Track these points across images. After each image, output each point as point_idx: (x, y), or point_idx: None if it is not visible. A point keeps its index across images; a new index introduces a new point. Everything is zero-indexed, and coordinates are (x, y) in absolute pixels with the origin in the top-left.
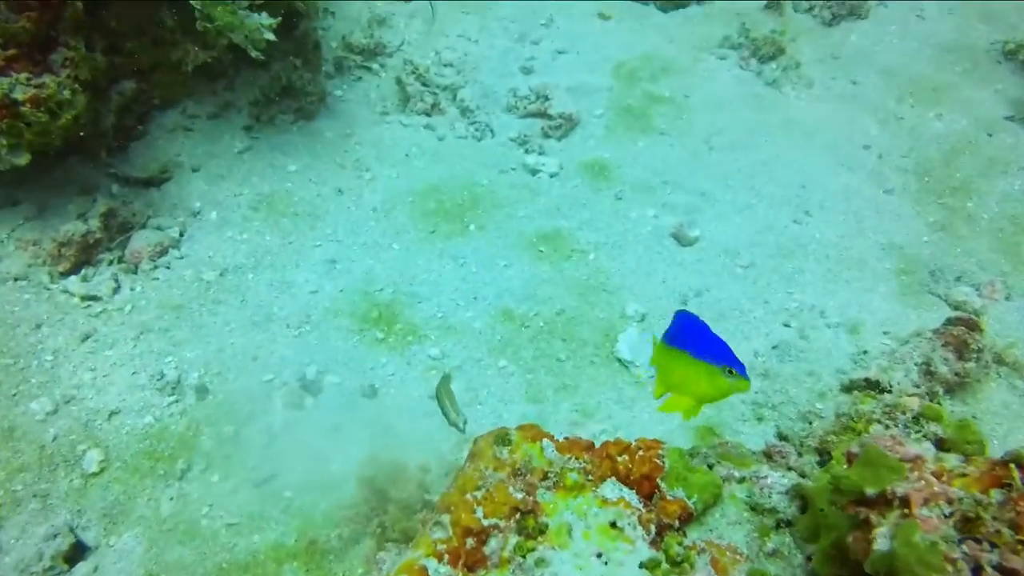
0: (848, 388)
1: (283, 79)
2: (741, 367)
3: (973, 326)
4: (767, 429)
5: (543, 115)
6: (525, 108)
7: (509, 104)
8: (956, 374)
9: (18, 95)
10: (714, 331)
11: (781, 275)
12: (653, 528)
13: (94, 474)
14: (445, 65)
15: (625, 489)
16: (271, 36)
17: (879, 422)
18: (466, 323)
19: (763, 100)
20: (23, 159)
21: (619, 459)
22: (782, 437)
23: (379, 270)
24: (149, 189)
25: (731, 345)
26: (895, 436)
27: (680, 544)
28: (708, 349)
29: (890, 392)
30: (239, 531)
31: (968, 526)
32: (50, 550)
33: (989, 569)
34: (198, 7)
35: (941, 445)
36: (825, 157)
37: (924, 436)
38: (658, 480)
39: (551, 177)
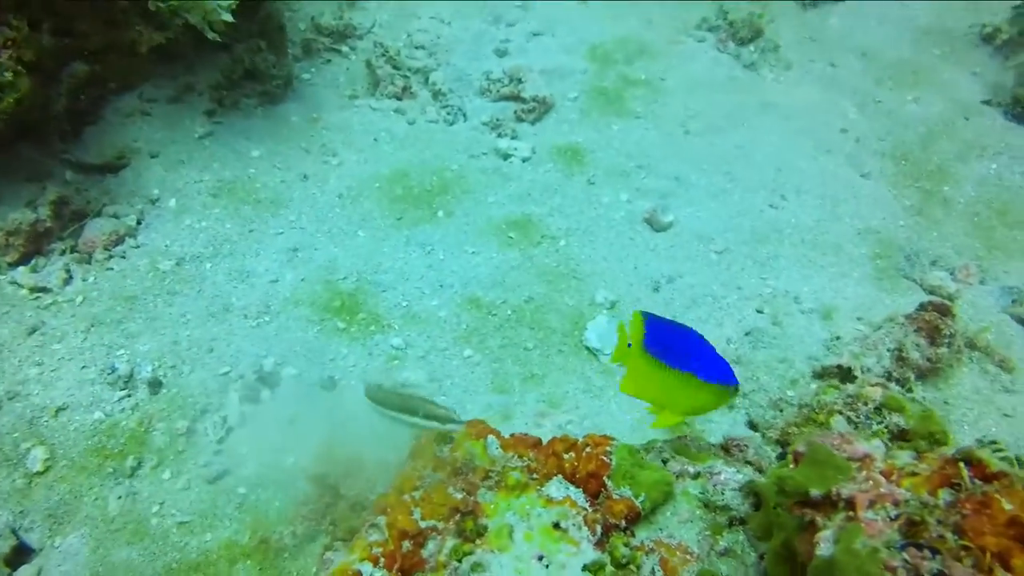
0: (820, 375)
1: (246, 61)
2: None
3: (945, 311)
4: (738, 417)
5: (516, 98)
6: (498, 91)
7: (482, 87)
8: (928, 360)
9: None
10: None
11: (755, 260)
12: (599, 528)
13: (39, 473)
14: (417, 47)
15: (572, 488)
16: (229, 17)
17: (841, 413)
18: (431, 312)
19: (740, 83)
20: None
21: (565, 456)
22: (752, 425)
23: (343, 258)
24: (105, 176)
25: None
26: (844, 433)
27: (626, 545)
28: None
29: (854, 381)
30: (191, 529)
31: (913, 530)
32: None
33: None
34: None
35: (904, 436)
36: (802, 140)
37: (886, 427)
38: (605, 478)
39: (523, 162)
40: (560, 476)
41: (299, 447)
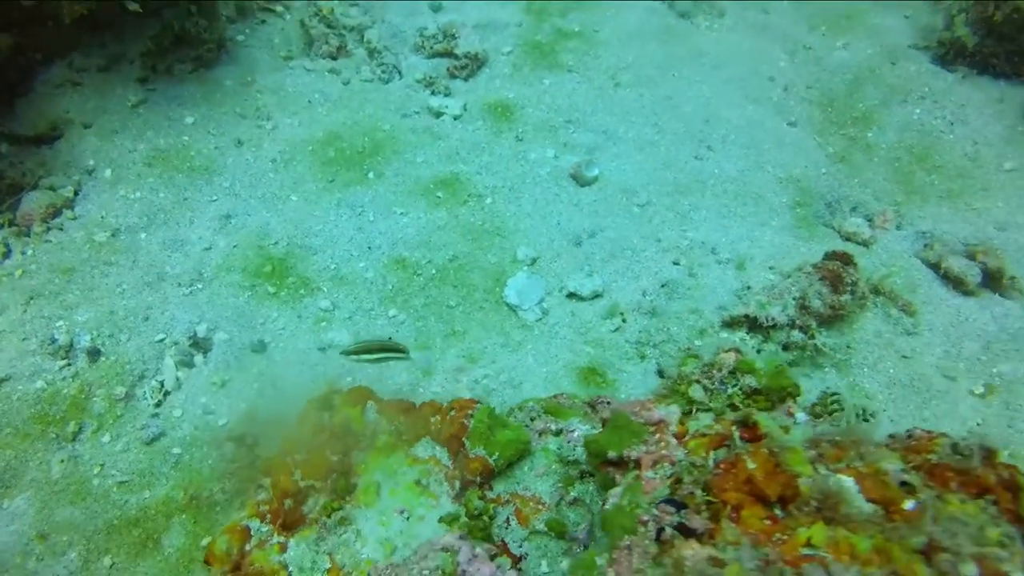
0: (728, 324)
1: (176, 27)
2: None
3: (848, 260)
4: (648, 367)
5: (450, 55)
6: (432, 48)
7: (417, 44)
8: (831, 307)
9: None
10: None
11: (676, 212)
12: (458, 484)
13: None
14: (352, 4)
15: (438, 447)
16: None
17: (698, 382)
18: (358, 273)
19: (674, 32)
20: None
21: (432, 420)
22: (662, 374)
23: (275, 223)
24: (41, 148)
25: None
26: (645, 400)
27: (480, 498)
28: None
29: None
30: (130, 488)
31: (677, 487)
32: None
33: (668, 529)
34: None
35: (758, 394)
36: (731, 90)
37: (740, 389)
38: (464, 439)
39: (454, 120)
40: (428, 437)
41: (230, 408)
